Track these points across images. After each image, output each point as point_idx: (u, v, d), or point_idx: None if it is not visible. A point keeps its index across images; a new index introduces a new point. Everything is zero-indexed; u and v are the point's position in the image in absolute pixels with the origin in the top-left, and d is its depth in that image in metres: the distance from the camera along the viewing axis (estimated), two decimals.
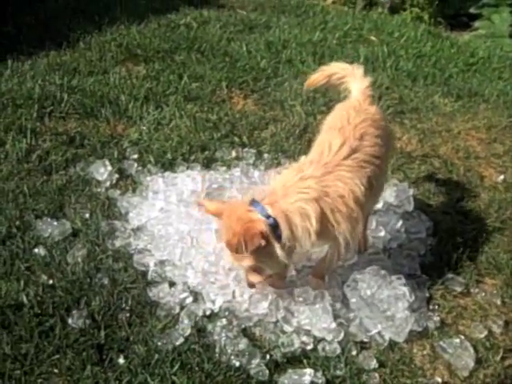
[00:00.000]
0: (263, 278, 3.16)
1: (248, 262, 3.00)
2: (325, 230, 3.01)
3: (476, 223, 4.19)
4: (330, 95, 5.04)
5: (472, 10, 8.48)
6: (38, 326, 3.00)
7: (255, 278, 3.16)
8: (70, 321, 3.04)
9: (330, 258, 3.28)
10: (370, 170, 3.17)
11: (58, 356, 2.88)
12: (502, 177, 4.75)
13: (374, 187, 3.23)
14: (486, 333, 3.31)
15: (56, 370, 2.83)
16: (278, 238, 2.93)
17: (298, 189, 2.98)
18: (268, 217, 2.90)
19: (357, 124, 3.28)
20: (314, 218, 2.93)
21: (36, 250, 3.45)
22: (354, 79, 3.70)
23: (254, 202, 2.97)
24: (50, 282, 3.26)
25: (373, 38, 7.13)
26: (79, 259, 3.42)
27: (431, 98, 5.85)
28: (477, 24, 8.37)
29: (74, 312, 3.07)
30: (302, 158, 3.30)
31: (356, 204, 3.05)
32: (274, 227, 2.91)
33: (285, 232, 2.91)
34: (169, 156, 4.38)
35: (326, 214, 2.98)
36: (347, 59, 6.20)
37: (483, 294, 3.58)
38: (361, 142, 3.21)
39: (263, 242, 2.86)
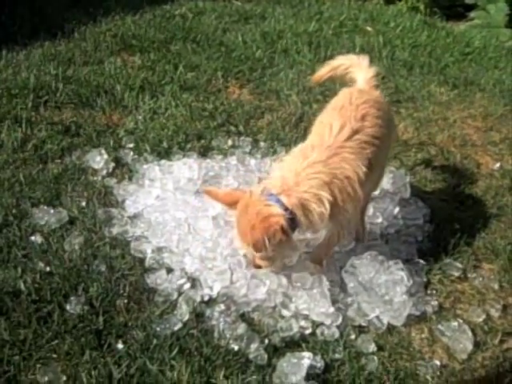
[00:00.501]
0: (272, 263, 3.22)
1: (265, 254, 3.09)
2: (334, 211, 3.04)
3: (473, 210, 4.20)
4: (326, 85, 5.02)
5: (467, 1, 8.44)
6: (36, 312, 2.99)
7: (264, 264, 3.22)
8: (68, 307, 3.03)
9: (329, 242, 3.29)
10: (370, 152, 3.19)
11: (56, 341, 2.87)
12: (498, 164, 4.76)
13: (373, 168, 3.25)
14: (484, 316, 3.32)
15: (55, 355, 2.82)
16: (294, 228, 3.02)
17: (308, 175, 3.01)
18: (286, 209, 2.95)
19: (358, 104, 3.30)
20: (328, 202, 2.98)
21: (33, 238, 3.43)
22: (360, 69, 3.72)
23: (269, 194, 3.00)
24: (48, 269, 3.24)
25: (368, 28, 7.13)
26: (76, 246, 3.40)
27: (427, 87, 5.86)
28: (472, 14, 8.35)
29: (72, 298, 3.06)
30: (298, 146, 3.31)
31: (359, 184, 3.09)
32: (292, 219, 2.97)
33: (302, 222, 3.00)
34: (165, 145, 4.37)
35: (336, 196, 3.02)
36: (343, 49, 6.25)
37: (481, 278, 3.59)
38: (362, 123, 3.22)
39: (284, 237, 2.95)
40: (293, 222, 3.00)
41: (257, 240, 2.93)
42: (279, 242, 2.97)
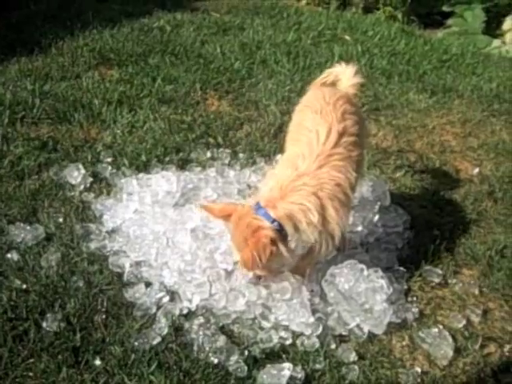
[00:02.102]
0: (271, 272, 3.25)
1: (263, 271, 3.19)
2: (326, 220, 3.04)
3: (452, 216, 4.20)
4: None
5: (445, 8, 8.57)
6: (12, 330, 2.94)
7: (263, 273, 3.24)
8: (44, 324, 2.98)
9: (318, 252, 3.25)
10: (356, 153, 3.21)
11: (32, 360, 2.82)
12: (477, 170, 4.78)
13: (359, 169, 3.29)
14: (464, 322, 3.31)
15: (31, 374, 2.77)
16: (284, 239, 3.01)
17: (294, 188, 3.01)
18: (273, 221, 2.95)
19: (335, 102, 3.30)
20: (316, 211, 2.97)
21: (9, 255, 3.38)
22: (344, 77, 3.77)
23: (257, 207, 3.00)
24: (24, 286, 3.19)
25: (347, 37, 7.17)
26: (53, 263, 3.36)
27: (406, 94, 5.89)
28: (450, 21, 8.45)
29: (49, 315, 3.01)
30: (279, 157, 3.30)
31: (351, 189, 3.12)
32: (280, 230, 2.97)
33: (290, 232, 2.99)
34: (143, 158, 4.34)
35: (325, 204, 3.01)
36: (321, 59, 6.30)
37: (461, 284, 3.59)
38: (344, 123, 3.23)
39: (274, 249, 2.95)
40: (281, 233, 2.99)
41: (247, 258, 2.92)
42: (271, 254, 2.95)
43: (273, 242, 2.95)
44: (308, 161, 3.10)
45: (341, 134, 3.18)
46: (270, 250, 2.93)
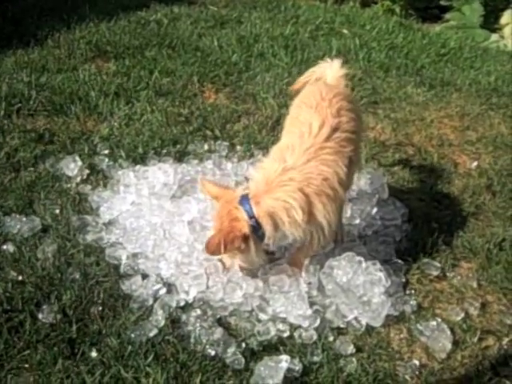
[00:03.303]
0: (232, 265, 3.24)
1: (224, 257, 3.18)
2: (312, 215, 3.00)
3: (451, 209, 4.19)
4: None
5: (443, 2, 8.53)
6: (7, 321, 2.92)
7: (230, 264, 3.23)
8: (40, 316, 2.96)
9: (310, 245, 3.25)
10: (349, 149, 3.16)
11: (28, 351, 2.80)
12: (475, 163, 4.77)
13: (352, 164, 3.24)
14: (462, 315, 3.30)
15: (26, 365, 2.75)
16: (259, 239, 2.99)
17: (280, 183, 2.96)
18: (252, 217, 2.92)
19: (331, 99, 3.27)
20: (300, 209, 2.92)
21: (4, 247, 3.36)
22: (330, 69, 3.72)
23: (243, 199, 2.97)
24: (20, 278, 3.17)
25: (345, 30, 7.14)
26: (49, 254, 3.34)
27: (404, 88, 5.87)
28: (448, 15, 8.42)
29: (45, 307, 2.99)
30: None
31: (340, 184, 3.05)
32: (257, 228, 2.94)
33: (268, 232, 2.96)
34: (140, 150, 4.32)
35: (311, 200, 2.97)
36: (319, 52, 6.27)
37: (459, 277, 3.58)
38: (339, 119, 3.20)
39: (243, 246, 2.94)
40: (257, 232, 2.96)
41: (212, 243, 2.92)
42: (237, 248, 2.97)
43: (245, 238, 2.95)
44: (297, 154, 3.04)
45: (334, 129, 3.15)
46: (237, 245, 2.94)
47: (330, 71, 3.70)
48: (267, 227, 2.95)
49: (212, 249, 2.94)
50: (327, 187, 3.01)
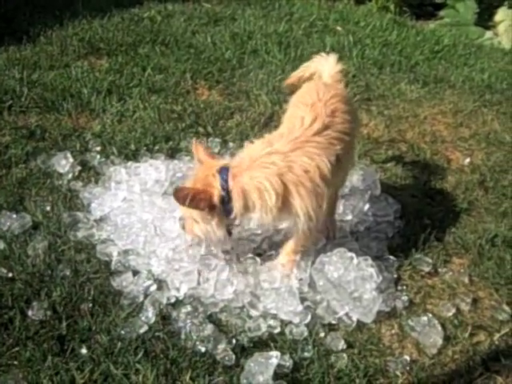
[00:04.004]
0: (196, 234, 3.24)
1: (186, 212, 3.16)
2: (288, 204, 2.99)
3: (443, 205, 4.19)
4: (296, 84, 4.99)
5: None
6: None
7: (190, 229, 3.24)
8: (29, 313, 2.95)
9: (296, 239, 3.26)
10: (339, 148, 3.14)
11: (17, 348, 2.80)
12: (468, 159, 4.76)
13: (342, 165, 3.22)
14: (454, 311, 3.30)
15: (16, 362, 2.75)
16: (227, 212, 3.00)
17: (262, 163, 2.97)
18: (225, 189, 2.94)
19: (327, 100, 3.26)
20: (274, 194, 2.92)
21: None
22: (326, 64, 3.70)
23: (223, 169, 2.99)
24: (10, 274, 3.17)
25: (339, 28, 7.12)
26: (40, 251, 3.33)
27: (398, 85, 5.85)
28: (442, 13, 8.41)
29: (34, 304, 2.99)
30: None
31: (322, 180, 3.01)
32: (226, 201, 2.96)
33: (237, 208, 2.97)
34: (132, 147, 4.31)
35: (289, 188, 2.96)
36: (313, 49, 6.24)
37: (451, 273, 3.58)
38: (332, 119, 3.19)
39: (206, 210, 3.00)
40: (227, 205, 2.99)
41: (181, 194, 2.98)
42: (201, 210, 3.01)
43: (211, 205, 2.98)
44: (284, 141, 3.06)
45: (326, 127, 3.14)
46: (202, 207, 2.98)
47: (325, 67, 3.68)
48: (236, 203, 2.96)
49: (179, 195, 2.98)
50: (307, 179, 2.99)
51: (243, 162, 3.01)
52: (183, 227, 3.31)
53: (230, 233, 3.29)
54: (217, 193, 2.97)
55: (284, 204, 2.97)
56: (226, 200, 2.97)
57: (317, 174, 3.00)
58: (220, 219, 3.07)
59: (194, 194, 2.95)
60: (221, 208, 3.00)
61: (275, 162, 2.95)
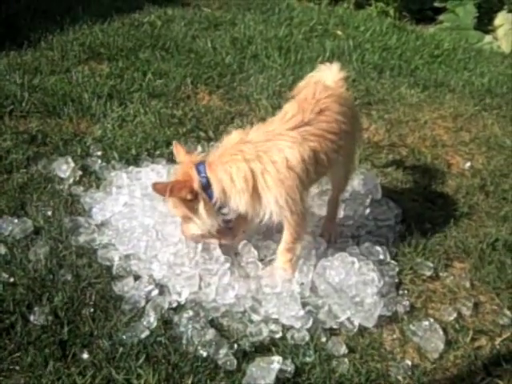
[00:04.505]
0: (195, 233, 3.30)
1: (178, 211, 3.23)
2: (257, 192, 3.07)
3: (444, 209, 4.19)
4: None
5: (437, 4, 8.54)
6: None
7: (186, 231, 3.31)
8: (31, 318, 2.95)
9: (285, 236, 3.30)
10: (317, 145, 3.16)
11: (19, 353, 2.79)
12: (468, 164, 4.78)
13: (323, 163, 3.22)
14: (455, 315, 3.30)
15: (17, 367, 2.74)
16: (210, 197, 3.10)
17: (232, 151, 3.09)
18: (203, 176, 3.07)
19: (320, 99, 3.29)
20: (242, 178, 3.03)
21: None
22: (329, 73, 3.70)
23: (200, 163, 3.12)
24: (11, 279, 3.16)
25: (339, 32, 7.14)
26: (41, 256, 3.32)
27: (398, 89, 5.87)
28: (441, 17, 8.43)
29: (36, 309, 2.98)
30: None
31: (290, 171, 3.05)
32: (206, 187, 3.06)
33: (216, 192, 3.06)
34: (133, 152, 4.31)
35: (256, 176, 3.04)
36: (313, 53, 6.26)
37: (452, 277, 3.58)
38: (317, 117, 3.21)
39: (189, 196, 3.09)
40: (207, 191, 3.09)
41: (161, 186, 3.07)
42: (187, 202, 3.12)
43: (193, 192, 3.08)
44: (259, 132, 3.15)
45: (306, 123, 3.17)
46: (184, 194, 3.07)
47: (329, 74, 3.68)
48: (215, 186, 3.06)
49: (158, 188, 3.08)
50: (273, 169, 3.04)
51: (218, 151, 3.16)
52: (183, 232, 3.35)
53: (227, 221, 3.36)
54: (196, 180, 3.08)
55: (254, 192, 3.06)
56: (206, 185, 3.08)
57: (284, 164, 3.04)
58: (207, 205, 3.15)
59: (174, 184, 3.08)
60: (203, 194, 3.11)
61: (244, 150, 3.07)
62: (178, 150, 3.27)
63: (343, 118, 3.31)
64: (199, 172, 3.09)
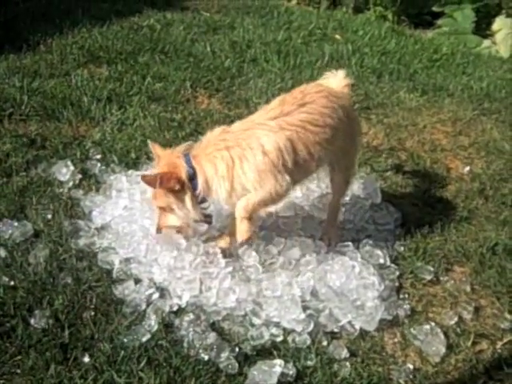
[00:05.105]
0: (172, 225, 3.36)
1: (161, 202, 3.27)
2: (236, 179, 3.14)
3: (443, 213, 4.19)
4: None
5: (435, 9, 8.57)
6: None
7: (164, 223, 3.34)
8: (32, 321, 2.94)
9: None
10: (294, 134, 3.20)
11: (20, 356, 2.78)
12: (467, 168, 4.79)
13: (303, 155, 3.24)
14: (456, 319, 3.31)
15: (19, 371, 2.73)
16: (194, 188, 3.16)
17: (215, 141, 3.20)
18: (190, 167, 3.16)
19: (308, 93, 3.34)
20: (224, 164, 3.12)
21: None
22: (334, 79, 3.72)
23: (185, 154, 3.22)
24: (12, 283, 3.15)
25: (337, 36, 7.16)
26: (41, 259, 3.31)
27: (397, 93, 5.89)
28: (440, 22, 8.46)
29: (37, 312, 2.97)
30: None
31: (265, 156, 3.11)
32: (192, 177, 3.16)
33: (200, 181, 3.14)
34: (133, 155, 4.30)
35: (235, 161, 3.12)
36: (312, 58, 6.26)
37: (452, 281, 3.59)
38: (299, 108, 3.25)
39: (177, 187, 3.16)
40: (193, 181, 3.17)
41: (150, 177, 3.16)
42: (175, 192, 3.17)
43: (180, 181, 3.15)
44: (241, 123, 3.30)
45: (285, 114, 3.22)
46: (172, 184, 3.14)
47: (333, 81, 3.70)
48: (200, 176, 3.15)
49: (148, 179, 3.18)
50: (250, 154, 3.12)
51: (202, 144, 3.26)
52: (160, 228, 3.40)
53: (209, 222, 3.44)
54: (183, 170, 3.16)
55: (233, 178, 3.13)
56: (192, 176, 3.16)
57: (259, 150, 3.11)
58: (192, 197, 3.22)
59: (163, 175, 3.14)
60: (189, 184, 3.18)
61: (225, 139, 3.18)
62: (154, 146, 3.35)
63: (331, 113, 3.33)
64: (186, 162, 3.17)
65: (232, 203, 3.23)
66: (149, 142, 3.43)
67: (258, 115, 3.29)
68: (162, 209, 3.31)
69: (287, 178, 3.18)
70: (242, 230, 3.20)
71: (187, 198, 3.21)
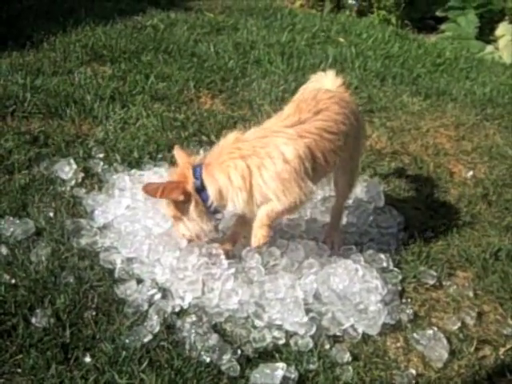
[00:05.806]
0: (187, 235, 3.33)
1: (169, 211, 3.29)
2: (253, 186, 3.07)
3: (446, 218, 4.18)
4: None
5: (438, 13, 8.56)
6: (0, 325, 2.88)
7: (179, 231, 3.34)
8: (33, 320, 2.91)
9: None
10: (312, 141, 3.15)
11: (21, 356, 2.76)
12: (470, 173, 4.77)
13: (321, 162, 3.20)
14: (459, 324, 3.29)
15: (19, 370, 2.71)
16: (205, 199, 3.13)
17: (229, 149, 3.12)
18: (198, 178, 3.11)
19: (321, 99, 3.30)
20: (240, 176, 3.04)
21: None
22: (327, 80, 3.69)
23: (197, 164, 3.17)
24: (13, 281, 3.13)
25: (341, 39, 7.15)
26: (43, 258, 3.29)
27: (400, 97, 5.87)
28: (443, 26, 8.46)
29: (38, 311, 2.95)
30: None
31: (286, 164, 3.05)
32: (200, 189, 3.13)
33: (211, 194, 3.11)
34: (135, 155, 4.28)
35: (252, 171, 3.04)
36: (316, 60, 6.26)
37: (455, 286, 3.57)
38: (315, 116, 3.21)
39: (182, 197, 3.12)
40: (202, 193, 3.13)
41: (152, 187, 3.13)
42: (180, 203, 3.16)
43: (186, 193, 3.12)
44: (256, 131, 3.21)
45: (302, 121, 3.18)
46: (176, 195, 3.12)
47: (328, 82, 3.66)
48: (210, 188, 3.09)
49: (148, 189, 3.14)
50: (270, 163, 3.05)
51: (215, 152, 3.19)
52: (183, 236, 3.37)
53: (217, 229, 3.41)
54: (190, 181, 3.12)
55: (251, 188, 3.07)
56: (201, 188, 3.11)
57: (280, 158, 3.04)
58: (198, 207, 3.18)
59: (166, 185, 3.12)
60: (196, 196, 3.14)
61: (240, 148, 3.10)
62: (178, 153, 3.30)
63: (343, 119, 3.31)
64: (195, 173, 3.12)
65: (250, 211, 3.17)
66: (176, 147, 3.36)
67: (273, 123, 3.23)
68: (174, 218, 3.30)
69: (310, 184, 3.14)
70: (260, 235, 3.16)
71: (191, 209, 3.18)
